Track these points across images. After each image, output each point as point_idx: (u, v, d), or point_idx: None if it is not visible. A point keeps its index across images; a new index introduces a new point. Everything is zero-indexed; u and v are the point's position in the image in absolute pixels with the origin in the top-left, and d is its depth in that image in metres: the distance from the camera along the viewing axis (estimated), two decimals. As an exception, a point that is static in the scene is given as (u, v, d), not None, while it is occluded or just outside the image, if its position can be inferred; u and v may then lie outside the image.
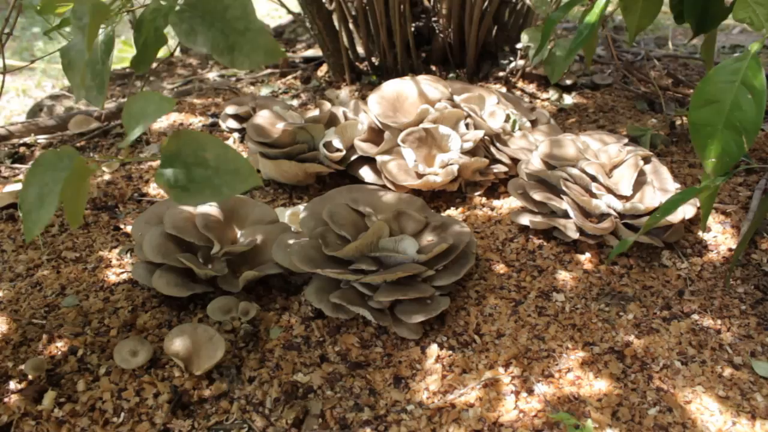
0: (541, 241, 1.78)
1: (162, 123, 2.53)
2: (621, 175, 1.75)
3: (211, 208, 1.62)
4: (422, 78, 2.12)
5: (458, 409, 1.29)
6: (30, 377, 1.32)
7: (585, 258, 1.72)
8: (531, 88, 2.69)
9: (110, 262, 1.73)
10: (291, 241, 1.53)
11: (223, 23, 1.06)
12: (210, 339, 1.36)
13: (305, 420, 1.28)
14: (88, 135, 2.43)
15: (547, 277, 1.66)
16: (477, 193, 2.01)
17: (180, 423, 1.27)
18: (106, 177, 2.17)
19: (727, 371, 1.40)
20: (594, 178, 1.72)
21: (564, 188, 1.71)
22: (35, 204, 0.96)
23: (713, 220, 1.86)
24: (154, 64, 3.41)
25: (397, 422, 1.28)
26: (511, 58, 2.68)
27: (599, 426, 1.26)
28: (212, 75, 3.21)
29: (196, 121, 2.55)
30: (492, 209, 1.95)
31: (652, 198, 1.69)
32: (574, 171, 1.72)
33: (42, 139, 2.52)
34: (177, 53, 3.53)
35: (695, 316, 1.54)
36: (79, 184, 1.10)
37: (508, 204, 1.96)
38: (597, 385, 1.36)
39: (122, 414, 1.27)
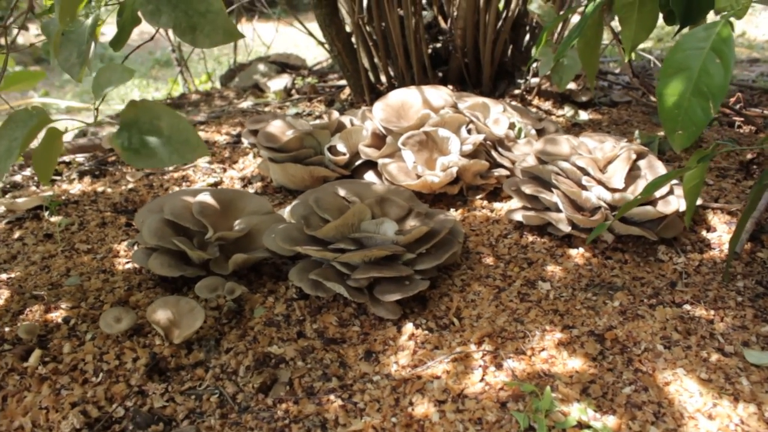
0: (534, 237, 1.78)
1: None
2: (614, 169, 1.74)
3: (208, 198, 1.71)
4: (427, 87, 2.18)
5: (424, 381, 1.29)
6: (23, 340, 1.40)
7: (577, 252, 1.70)
8: (547, 105, 2.71)
9: (118, 253, 1.82)
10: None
11: (186, 4, 1.16)
12: (191, 310, 1.42)
13: (273, 387, 1.31)
14: (120, 150, 2.59)
15: (536, 268, 1.65)
16: (478, 197, 2.03)
17: (154, 386, 1.31)
18: (130, 185, 2.30)
19: (714, 357, 1.35)
20: (585, 172, 1.72)
21: (555, 182, 1.71)
22: (4, 155, 1.06)
23: (718, 220, 1.82)
24: (195, 96, 3.61)
25: (362, 391, 1.29)
26: (528, 77, 2.72)
27: (566, 399, 1.23)
28: (246, 104, 3.37)
29: (221, 139, 2.68)
30: (492, 211, 1.96)
31: (644, 190, 1.67)
32: (566, 165, 1.73)
33: (80, 157, 2.69)
34: (216, 84, 3.74)
35: (687, 306, 1.50)
36: (49, 145, 1.20)
37: (508, 206, 1.97)
38: (571, 364, 1.33)
39: (101, 374, 1.33)
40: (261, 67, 3.72)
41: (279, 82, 3.53)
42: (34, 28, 7.19)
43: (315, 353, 1.39)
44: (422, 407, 1.24)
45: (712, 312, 1.48)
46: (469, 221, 1.91)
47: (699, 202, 1.81)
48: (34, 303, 1.55)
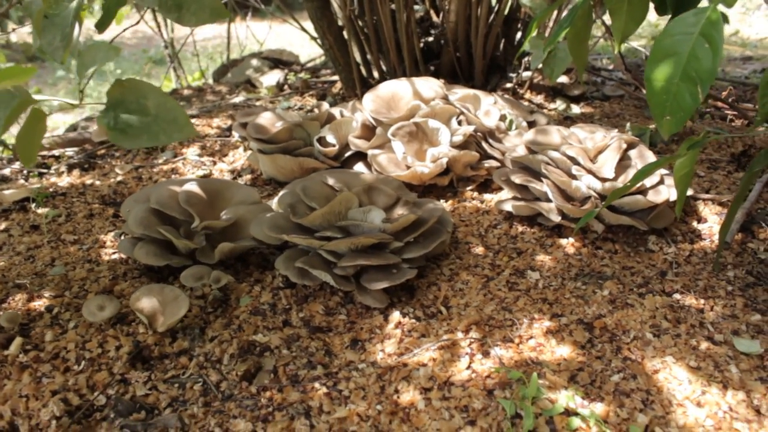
0: (524, 227, 1.77)
1: (179, 133, 2.65)
2: (605, 158, 1.73)
3: (195, 187, 1.69)
4: (417, 78, 2.17)
5: (410, 368, 1.28)
6: (4, 329, 1.38)
7: (567, 242, 1.69)
8: (539, 99, 2.70)
9: (105, 243, 1.80)
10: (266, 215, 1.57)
11: None
12: (176, 298, 1.40)
13: (257, 375, 1.29)
14: (108, 144, 2.57)
15: (525, 258, 1.64)
16: (468, 188, 2.01)
17: (137, 374, 1.29)
18: (119, 178, 2.28)
19: (704, 345, 1.33)
20: (575, 161, 1.70)
21: (544, 171, 1.70)
22: (-13, 134, 1.04)
23: (709, 211, 1.81)
24: (186, 92, 3.59)
25: (347, 379, 1.27)
26: (520, 71, 2.71)
27: (553, 386, 1.22)
28: (238, 99, 3.35)
29: (212, 132, 2.66)
30: (482, 202, 1.94)
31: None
32: (555, 154, 1.71)
33: (70, 151, 2.67)
34: (209, 81, 3.72)
35: (677, 296, 1.49)
36: (33, 127, 1.19)
37: (498, 198, 1.96)
38: (559, 352, 1.32)
39: (83, 362, 1.31)
40: (254, 62, 3.71)
41: (271, 78, 3.52)
42: (28, 26, 7.15)
43: (300, 341, 1.37)
44: (408, 395, 1.22)
45: (702, 301, 1.47)
46: (458, 212, 1.89)
47: (690, 192, 1.80)
48: (17, 292, 1.53)
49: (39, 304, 1.48)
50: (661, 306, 1.44)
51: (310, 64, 3.99)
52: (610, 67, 3.53)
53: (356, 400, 1.22)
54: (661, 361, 1.29)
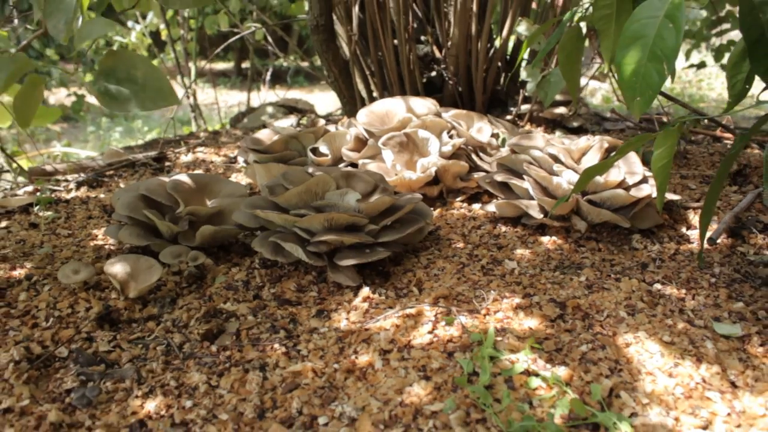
0: (508, 228, 1.76)
1: (186, 158, 2.74)
2: (588, 159, 1.74)
3: (184, 177, 1.74)
4: (412, 97, 2.23)
5: (371, 333, 1.26)
6: (-19, 291, 1.41)
7: (549, 240, 1.68)
8: (538, 131, 2.74)
9: (96, 236, 1.85)
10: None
11: None
12: (149, 267, 1.42)
13: (219, 336, 1.28)
14: (116, 165, 2.66)
15: (505, 251, 1.63)
16: (458, 200, 2.02)
17: (103, 333, 1.30)
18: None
19: (681, 325, 1.29)
20: (556, 159, 1.72)
21: (526, 169, 1.71)
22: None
23: (699, 219, 1.78)
24: (203, 134, 3.72)
25: (307, 341, 1.26)
26: (519, 104, 2.76)
27: (514, 350, 1.19)
28: (252, 139, 3.45)
29: (218, 159, 2.74)
30: (470, 211, 1.95)
31: (616, 175, 1.66)
32: (538, 153, 1.73)
33: (83, 175, 2.77)
34: (227, 127, 3.86)
35: (657, 286, 1.45)
36: (30, 90, 1.26)
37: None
38: (526, 324, 1.29)
39: (51, 320, 1.32)
40: (269, 109, 3.85)
41: (285, 123, 3.63)
42: (64, 90, 7.54)
43: (267, 310, 1.37)
44: (366, 356, 1.20)
45: (684, 291, 1.43)
46: (445, 218, 1.90)
47: (677, 197, 1.79)
48: (0, 263, 1.57)
49: (19, 273, 1.51)
50: (638, 290, 1.41)
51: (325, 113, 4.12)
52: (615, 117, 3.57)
53: (314, 359, 1.20)
54: (633, 336, 1.26)
